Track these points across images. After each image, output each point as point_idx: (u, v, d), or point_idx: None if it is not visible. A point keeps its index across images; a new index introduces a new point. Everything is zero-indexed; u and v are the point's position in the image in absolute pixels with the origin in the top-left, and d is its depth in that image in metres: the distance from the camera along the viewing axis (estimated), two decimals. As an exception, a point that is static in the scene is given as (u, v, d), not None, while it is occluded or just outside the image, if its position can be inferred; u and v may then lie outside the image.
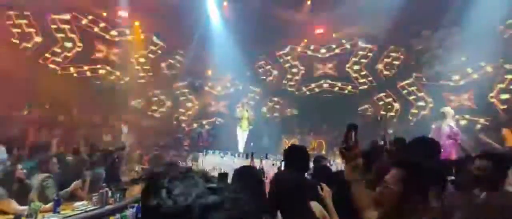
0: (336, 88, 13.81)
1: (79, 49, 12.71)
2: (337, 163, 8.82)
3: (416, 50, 12.30)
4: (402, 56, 12.94)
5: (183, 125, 13.87)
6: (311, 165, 4.65)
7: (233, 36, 12.62)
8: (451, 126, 6.00)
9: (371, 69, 13.42)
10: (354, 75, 13.60)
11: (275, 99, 14.38)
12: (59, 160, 5.19)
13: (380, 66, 13.28)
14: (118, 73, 13.22)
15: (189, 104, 14.36)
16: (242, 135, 9.64)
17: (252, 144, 9.53)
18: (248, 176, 2.44)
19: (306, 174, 3.31)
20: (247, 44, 12.50)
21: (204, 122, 14.02)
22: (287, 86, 14.26)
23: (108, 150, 6.56)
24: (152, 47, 13.77)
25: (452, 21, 10.74)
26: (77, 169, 5.16)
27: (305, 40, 14.01)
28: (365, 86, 13.49)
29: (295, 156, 2.94)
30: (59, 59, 12.41)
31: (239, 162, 7.36)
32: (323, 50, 13.90)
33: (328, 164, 5.10)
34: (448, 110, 6.27)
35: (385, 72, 13.27)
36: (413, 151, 2.54)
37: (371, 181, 2.95)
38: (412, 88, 12.60)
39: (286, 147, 3.57)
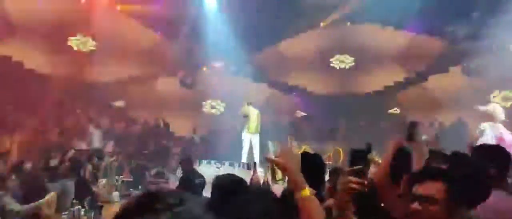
0: (357, 84, 13.70)
1: (49, 41, 12.71)
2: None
3: (454, 38, 12.17)
4: (436, 46, 12.81)
5: (172, 130, 13.82)
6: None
7: (232, 23, 12.56)
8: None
9: (400, 61, 13.33)
10: (380, 68, 13.51)
11: (283, 97, 14.28)
12: (18, 172, 5.14)
13: (410, 58, 13.17)
14: (95, 68, 13.19)
15: (180, 105, 14.31)
16: (249, 139, 9.30)
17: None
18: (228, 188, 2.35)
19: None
20: (248, 32, 12.44)
21: (197, 126, 13.95)
22: (298, 82, 14.17)
23: (77, 160, 6.48)
24: (136, 37, 13.74)
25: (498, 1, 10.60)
26: (40, 181, 5.10)
27: (322, 24, 13.87)
28: (392, 83, 13.37)
29: (308, 167, 2.83)
30: (26, 54, 12.40)
31: (240, 174, 7.27)
32: (340, 41, 13.82)
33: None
34: (496, 109, 5.93)
35: (417, 65, 13.15)
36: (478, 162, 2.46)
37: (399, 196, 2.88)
38: (449, 83, 12.45)
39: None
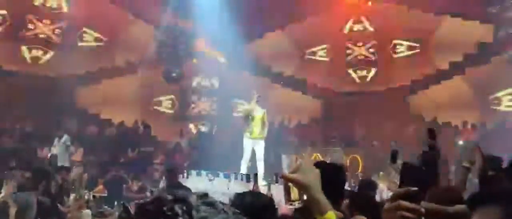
0: (377, 80, 13.68)
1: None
2: (381, 190, 8.73)
3: (497, 22, 12.14)
4: (475, 32, 12.76)
5: (153, 133, 13.78)
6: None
7: (228, 4, 12.52)
8: None
9: (431, 50, 13.31)
10: (406, 59, 13.49)
11: (289, 95, 14.26)
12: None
13: (443, 46, 13.07)
14: (59, 59, 13.13)
15: (163, 103, 14.26)
16: (251, 146, 9.04)
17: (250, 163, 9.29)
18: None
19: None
20: (247, 16, 12.45)
21: (184, 129, 13.93)
22: (307, 77, 14.15)
23: (42, 170, 6.45)
24: (110, 20, 13.68)
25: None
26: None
27: (334, 10, 13.88)
28: (420, 77, 13.37)
29: (326, 180, 2.81)
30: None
31: (237, 187, 7.25)
32: (358, 25, 13.81)
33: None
34: None
35: (452, 55, 13.14)
36: None
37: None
38: (492, 77, 12.43)
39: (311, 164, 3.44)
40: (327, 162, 3.23)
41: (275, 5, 13.07)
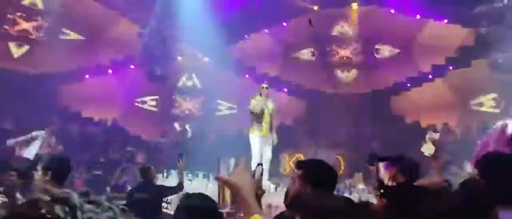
0: (361, 80, 13.62)
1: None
2: (359, 189, 8.71)
3: (478, 26, 12.13)
4: (458, 35, 12.76)
5: (136, 132, 13.58)
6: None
7: (213, 4, 12.45)
8: None
9: (414, 53, 13.33)
10: (389, 61, 13.49)
11: (273, 96, 14.18)
12: None
13: (427, 49, 13.13)
14: (40, 55, 12.88)
15: (147, 102, 14.12)
16: (260, 145, 8.16)
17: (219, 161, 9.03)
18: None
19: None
20: (233, 14, 12.42)
21: (167, 128, 13.76)
22: (291, 77, 14.05)
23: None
24: (91, 17, 13.45)
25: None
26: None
27: (315, 8, 13.76)
28: (403, 79, 13.39)
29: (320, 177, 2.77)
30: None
31: (215, 188, 7.06)
32: (343, 27, 13.76)
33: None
34: None
35: (434, 58, 13.16)
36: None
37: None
38: (473, 80, 12.43)
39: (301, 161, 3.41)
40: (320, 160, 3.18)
41: (260, 6, 12.99)
